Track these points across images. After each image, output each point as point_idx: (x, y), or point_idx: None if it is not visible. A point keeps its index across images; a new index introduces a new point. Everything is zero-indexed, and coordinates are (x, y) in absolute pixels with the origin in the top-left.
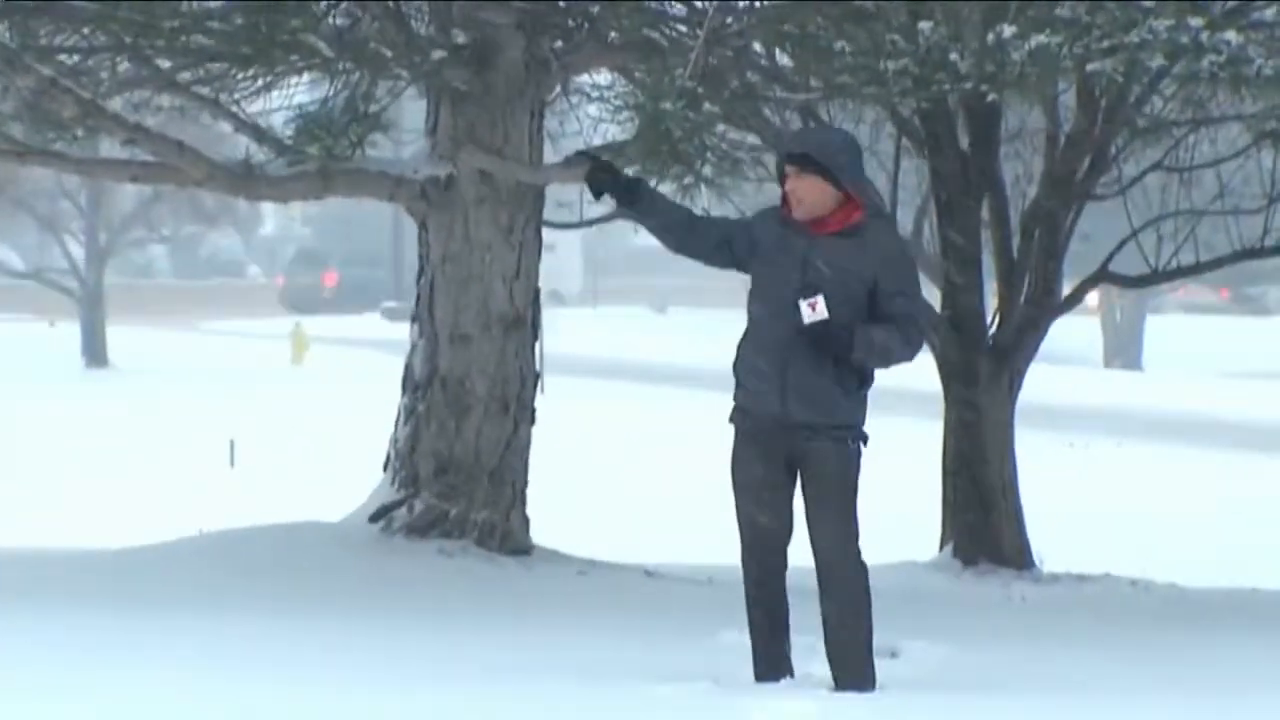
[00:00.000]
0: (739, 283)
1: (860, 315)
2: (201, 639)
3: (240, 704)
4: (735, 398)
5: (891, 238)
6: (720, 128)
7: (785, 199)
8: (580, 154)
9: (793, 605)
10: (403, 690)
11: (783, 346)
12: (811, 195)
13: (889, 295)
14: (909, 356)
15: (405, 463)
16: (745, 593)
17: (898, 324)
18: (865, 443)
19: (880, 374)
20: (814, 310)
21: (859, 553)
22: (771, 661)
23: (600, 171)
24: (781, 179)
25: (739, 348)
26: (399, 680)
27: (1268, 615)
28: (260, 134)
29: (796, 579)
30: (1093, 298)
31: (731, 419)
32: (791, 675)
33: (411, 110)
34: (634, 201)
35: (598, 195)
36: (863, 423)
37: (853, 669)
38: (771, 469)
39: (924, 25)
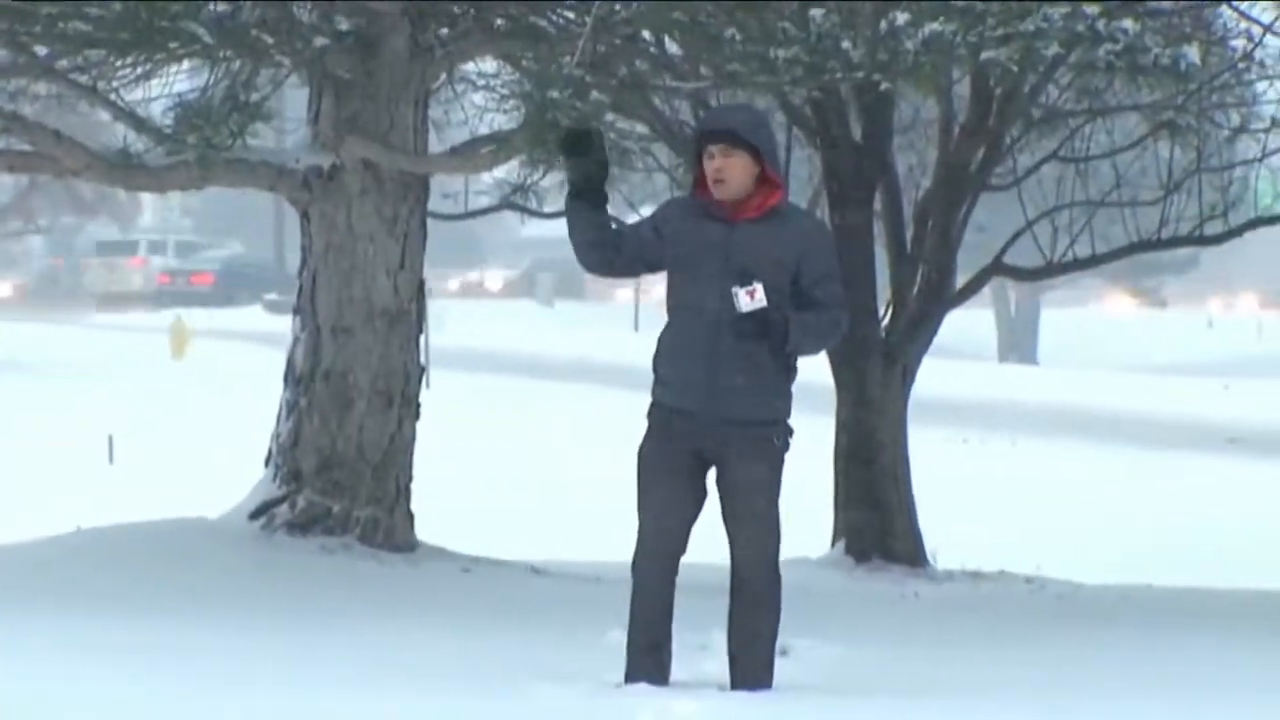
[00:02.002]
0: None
1: (785, 302)
2: (78, 638)
3: (115, 703)
4: (654, 393)
5: (811, 220)
6: (609, 116)
7: (701, 181)
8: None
9: (686, 603)
10: (278, 689)
11: (708, 340)
12: (739, 175)
13: (813, 280)
14: (835, 341)
15: (287, 458)
16: (633, 592)
17: (825, 309)
18: (790, 437)
19: None
20: (752, 298)
21: (778, 561)
22: (645, 666)
23: (583, 139)
24: (698, 159)
25: (659, 341)
26: (275, 679)
27: (1163, 612)
28: (139, 123)
29: (690, 575)
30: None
31: (648, 429)
32: (665, 681)
33: (294, 99)
34: (595, 187)
35: (567, 151)
36: (789, 416)
37: (754, 671)
38: (686, 468)
39: (815, 13)
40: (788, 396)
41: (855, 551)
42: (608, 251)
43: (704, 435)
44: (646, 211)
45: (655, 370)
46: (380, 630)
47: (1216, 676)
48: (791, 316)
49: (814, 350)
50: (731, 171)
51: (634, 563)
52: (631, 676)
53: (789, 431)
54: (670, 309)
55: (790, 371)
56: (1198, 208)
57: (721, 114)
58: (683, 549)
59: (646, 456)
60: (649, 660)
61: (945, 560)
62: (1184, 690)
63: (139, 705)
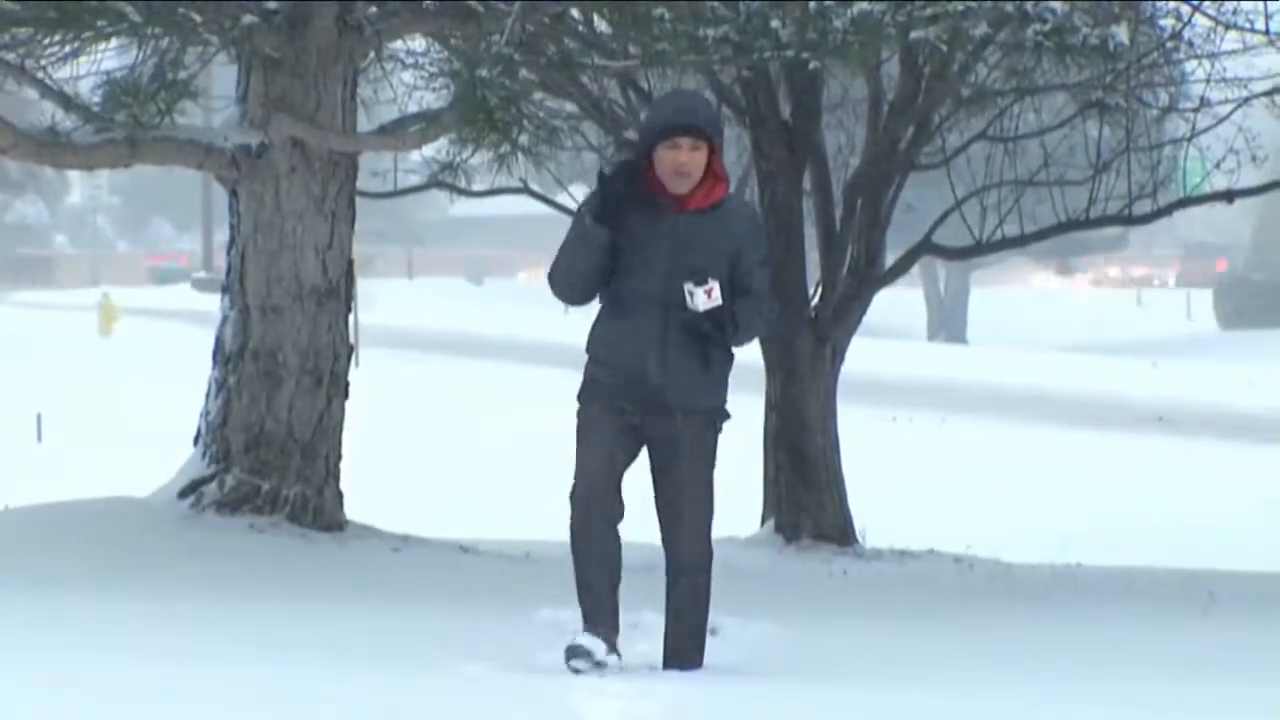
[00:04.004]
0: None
1: (726, 291)
2: (5, 616)
3: (42, 682)
4: (595, 377)
5: (747, 207)
6: (537, 95)
7: (649, 171)
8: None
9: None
10: (205, 667)
11: (659, 330)
12: (700, 169)
13: (749, 268)
14: (767, 327)
15: (216, 437)
16: (576, 540)
17: (759, 296)
18: (727, 421)
19: None
20: (710, 297)
21: (711, 540)
22: (600, 619)
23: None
24: (649, 150)
25: (597, 328)
26: (203, 657)
27: (1091, 592)
28: (67, 101)
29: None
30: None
31: (584, 397)
32: (615, 651)
33: (222, 76)
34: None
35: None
36: (726, 402)
37: (688, 650)
38: (627, 453)
39: None
40: (727, 382)
41: (785, 530)
42: (605, 277)
43: (650, 421)
44: (575, 190)
45: (594, 356)
46: (309, 609)
47: (1146, 655)
48: (738, 310)
49: (751, 339)
50: (697, 166)
51: (573, 499)
52: (589, 630)
53: (727, 416)
54: (612, 297)
55: (731, 359)
56: (1126, 187)
57: (690, 107)
58: (619, 490)
59: (587, 441)
60: (603, 611)
61: (874, 539)
62: (1114, 668)
63: (64, 681)
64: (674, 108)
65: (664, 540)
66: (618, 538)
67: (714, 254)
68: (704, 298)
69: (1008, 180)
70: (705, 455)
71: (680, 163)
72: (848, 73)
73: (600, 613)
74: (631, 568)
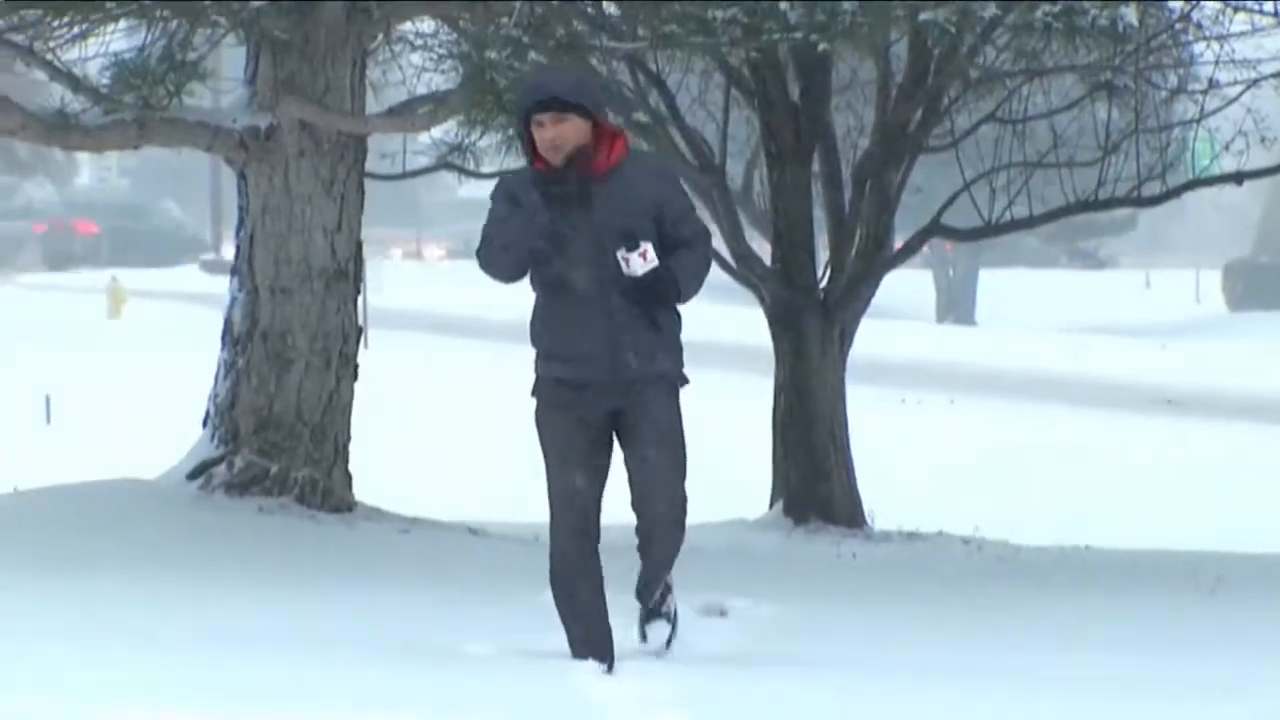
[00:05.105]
0: None
1: (659, 247)
2: (13, 598)
3: (46, 665)
4: (547, 370)
5: (658, 160)
6: None
7: (536, 154)
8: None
9: (611, 565)
10: (213, 652)
11: (600, 308)
12: (574, 136)
13: (676, 219)
14: (707, 274)
15: (225, 418)
16: (556, 571)
17: (693, 244)
18: (685, 385)
19: (711, 327)
20: (645, 259)
21: (685, 491)
22: (595, 640)
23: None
24: (527, 133)
25: (539, 318)
26: (211, 641)
27: (1100, 573)
28: (76, 82)
29: (609, 536)
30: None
31: (539, 391)
32: (612, 660)
33: (231, 58)
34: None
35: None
36: (683, 363)
37: (648, 587)
38: (596, 438)
39: None
40: (680, 344)
41: (793, 513)
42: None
43: (607, 400)
44: None
45: (540, 346)
46: (317, 592)
47: (1153, 636)
48: (674, 267)
49: (696, 292)
50: (565, 136)
51: (556, 536)
52: (581, 654)
53: (685, 381)
54: (543, 284)
55: (679, 317)
56: (1135, 169)
57: (543, 83)
58: (600, 507)
59: (552, 433)
60: (595, 631)
61: (883, 521)
62: (1121, 649)
63: (70, 666)
64: (527, 87)
65: (636, 502)
66: (599, 562)
67: (635, 215)
68: (639, 261)
69: (1016, 162)
70: (672, 422)
71: (549, 139)
72: (857, 55)
73: (597, 639)
74: (618, 549)
